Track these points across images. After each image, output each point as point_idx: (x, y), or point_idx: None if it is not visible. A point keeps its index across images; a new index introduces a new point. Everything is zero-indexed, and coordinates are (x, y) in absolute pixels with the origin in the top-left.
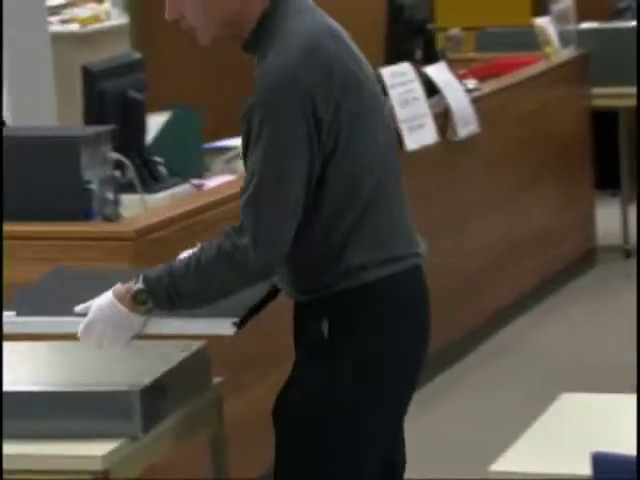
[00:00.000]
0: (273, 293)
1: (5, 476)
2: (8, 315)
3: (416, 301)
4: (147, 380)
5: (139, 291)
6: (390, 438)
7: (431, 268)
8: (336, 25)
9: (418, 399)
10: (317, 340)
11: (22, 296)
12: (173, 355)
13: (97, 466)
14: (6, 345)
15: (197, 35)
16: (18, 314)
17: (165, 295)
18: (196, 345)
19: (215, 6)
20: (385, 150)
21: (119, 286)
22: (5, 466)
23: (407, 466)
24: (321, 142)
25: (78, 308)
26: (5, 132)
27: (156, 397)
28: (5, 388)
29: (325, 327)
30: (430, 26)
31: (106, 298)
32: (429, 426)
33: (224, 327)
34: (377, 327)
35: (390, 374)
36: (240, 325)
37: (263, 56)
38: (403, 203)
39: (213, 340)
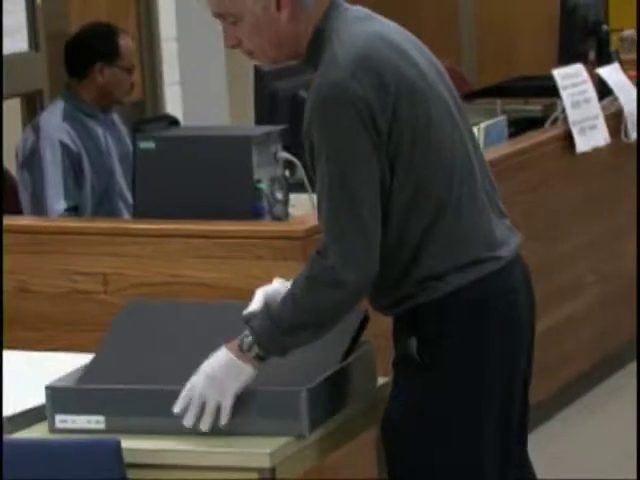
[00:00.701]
0: (365, 321)
1: (174, 471)
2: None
3: (501, 303)
4: (315, 380)
5: (244, 337)
6: (502, 441)
7: (598, 273)
8: (395, 32)
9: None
10: (407, 355)
11: (98, 363)
12: (340, 353)
13: (265, 463)
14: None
15: (256, 59)
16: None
17: (269, 336)
18: (363, 346)
19: (268, 29)
20: (458, 153)
21: (231, 343)
22: (174, 461)
23: None
24: (384, 150)
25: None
26: (179, 131)
27: (323, 397)
28: (179, 387)
29: (413, 341)
30: (604, 27)
31: (217, 354)
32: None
33: (331, 363)
34: (464, 337)
35: (483, 378)
36: (345, 357)
37: (316, 70)
38: (481, 204)
39: (378, 340)
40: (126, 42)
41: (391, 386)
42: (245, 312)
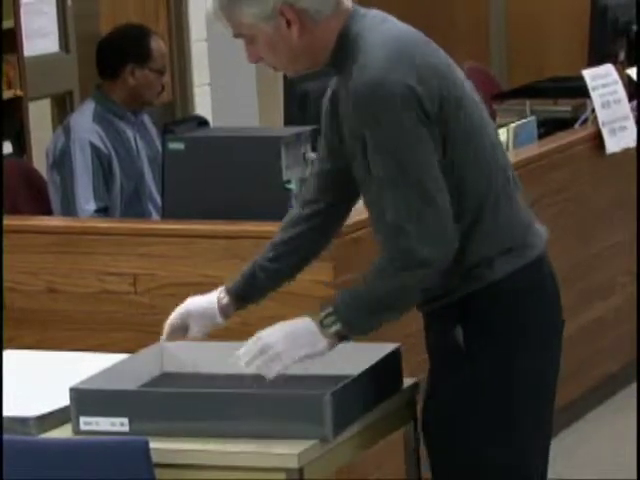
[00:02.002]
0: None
1: (202, 471)
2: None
3: (544, 290)
4: (339, 384)
5: (328, 314)
6: (540, 439)
7: (630, 274)
8: (413, 31)
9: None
10: (453, 345)
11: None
12: (366, 357)
13: (293, 464)
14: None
15: (280, 71)
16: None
17: (355, 315)
18: (389, 347)
19: (282, 47)
20: (492, 145)
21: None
22: (204, 462)
23: None
24: (434, 130)
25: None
26: (208, 132)
27: (348, 400)
28: (203, 390)
29: (459, 331)
30: (634, 27)
31: (296, 319)
32: None
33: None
34: (510, 325)
35: (533, 366)
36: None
37: (349, 75)
38: (517, 196)
39: (409, 339)
40: (158, 44)
41: (430, 378)
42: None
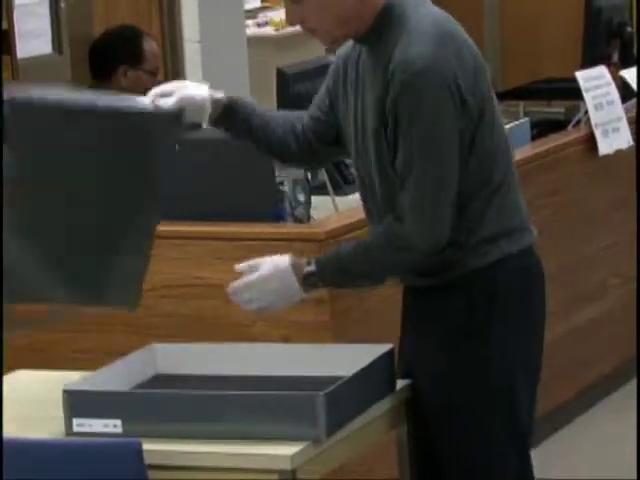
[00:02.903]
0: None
1: (195, 472)
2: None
3: (540, 272)
4: (332, 385)
5: (311, 274)
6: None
7: (621, 275)
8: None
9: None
10: (457, 324)
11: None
12: (359, 359)
13: (286, 465)
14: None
15: (318, 38)
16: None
17: (332, 278)
18: (383, 348)
19: (335, 8)
20: (506, 134)
21: (296, 258)
22: (198, 463)
23: None
24: (465, 122)
25: (241, 266)
26: (200, 133)
27: (341, 401)
28: (196, 392)
29: (461, 308)
30: (628, 29)
31: (284, 264)
32: None
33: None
34: (512, 303)
35: (532, 347)
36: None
37: (387, 52)
38: (517, 182)
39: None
40: (150, 45)
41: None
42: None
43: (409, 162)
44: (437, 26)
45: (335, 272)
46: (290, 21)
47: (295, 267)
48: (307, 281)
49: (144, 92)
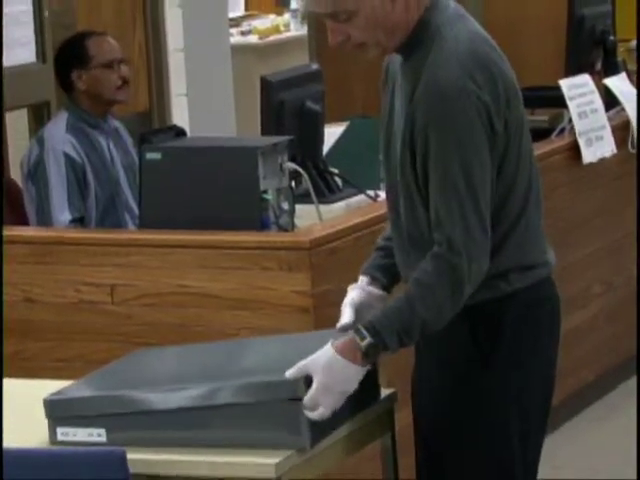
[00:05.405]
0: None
1: None
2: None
3: (549, 307)
4: None
5: (371, 345)
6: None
7: (605, 283)
8: (486, 34)
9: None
10: (460, 349)
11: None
12: None
13: (270, 474)
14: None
15: (367, 51)
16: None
17: (397, 339)
18: None
19: (384, 20)
20: (531, 160)
21: (338, 343)
22: (183, 472)
23: None
24: (495, 147)
25: (289, 372)
26: (185, 142)
27: None
28: (183, 403)
29: (468, 339)
30: (611, 37)
31: (329, 357)
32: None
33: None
34: (518, 336)
35: (538, 383)
36: None
37: (419, 63)
38: (540, 212)
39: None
40: (96, 41)
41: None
42: (339, 325)
43: (441, 188)
44: (470, 49)
45: (397, 332)
46: (335, 40)
47: (340, 350)
48: (370, 354)
49: (111, 87)
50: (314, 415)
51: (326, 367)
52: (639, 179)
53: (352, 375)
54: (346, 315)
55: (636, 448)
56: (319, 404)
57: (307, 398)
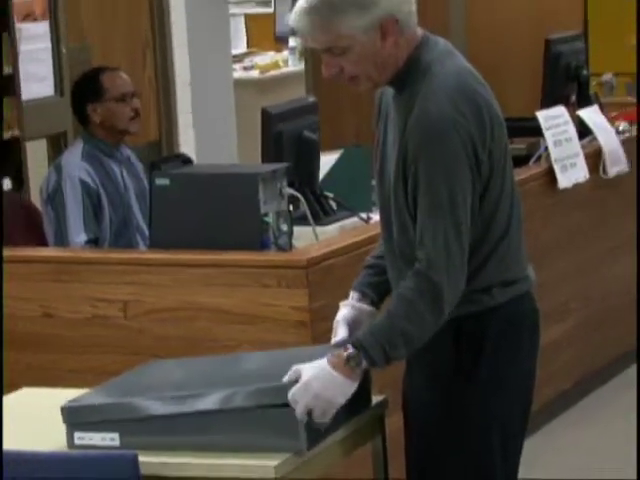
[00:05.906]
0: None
1: None
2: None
3: (530, 321)
4: None
5: (358, 360)
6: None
7: (578, 300)
8: (472, 68)
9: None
10: (446, 365)
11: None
12: None
13: (270, 475)
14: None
15: (358, 84)
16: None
17: (382, 353)
18: None
19: (374, 56)
20: (512, 186)
21: (332, 357)
22: (188, 474)
23: None
24: (478, 178)
25: (285, 378)
26: (191, 169)
27: None
28: (187, 408)
29: (451, 351)
30: (585, 72)
31: (320, 367)
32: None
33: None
34: (500, 349)
35: (517, 394)
36: None
37: (409, 101)
38: (521, 232)
39: None
40: (110, 76)
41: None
42: (333, 341)
43: (428, 215)
44: (458, 82)
45: (381, 345)
46: (329, 72)
47: (332, 362)
48: (351, 364)
49: (124, 119)
50: (298, 414)
51: (315, 375)
52: (639, 192)
53: (339, 388)
54: (340, 332)
55: (636, 448)
56: (297, 401)
57: (290, 394)
